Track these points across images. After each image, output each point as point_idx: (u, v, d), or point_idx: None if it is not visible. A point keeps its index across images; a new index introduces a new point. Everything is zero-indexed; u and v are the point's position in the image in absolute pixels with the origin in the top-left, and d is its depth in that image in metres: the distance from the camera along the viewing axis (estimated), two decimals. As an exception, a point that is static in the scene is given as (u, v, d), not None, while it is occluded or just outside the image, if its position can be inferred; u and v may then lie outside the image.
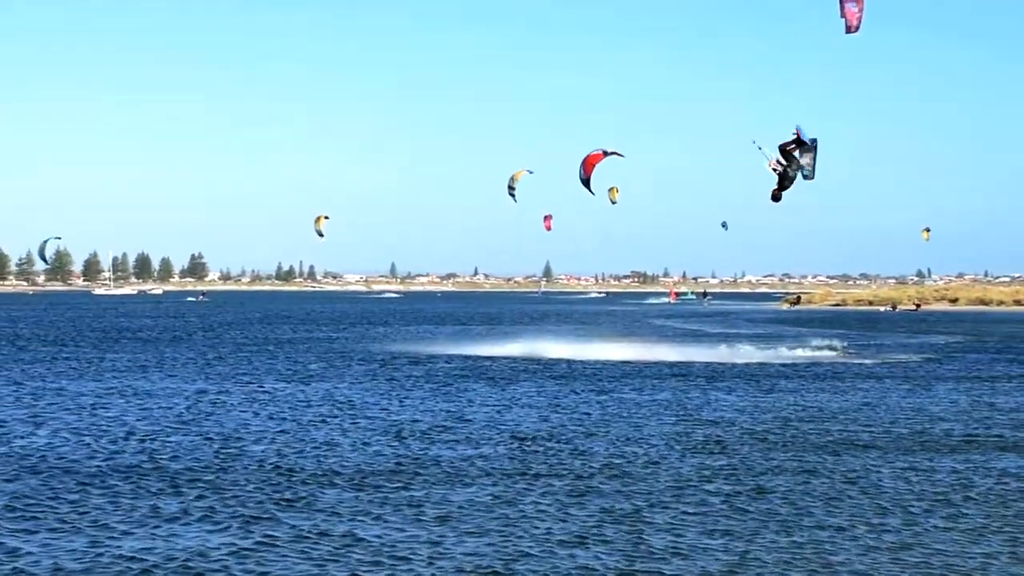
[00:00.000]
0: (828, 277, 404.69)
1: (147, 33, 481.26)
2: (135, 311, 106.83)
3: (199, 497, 16.11)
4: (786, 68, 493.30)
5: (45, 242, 29.21)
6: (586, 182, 28.70)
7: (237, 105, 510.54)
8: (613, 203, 41.35)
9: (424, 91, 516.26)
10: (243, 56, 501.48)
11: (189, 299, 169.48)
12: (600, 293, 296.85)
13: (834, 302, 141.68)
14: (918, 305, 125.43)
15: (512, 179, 41.84)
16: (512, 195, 41.72)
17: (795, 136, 21.11)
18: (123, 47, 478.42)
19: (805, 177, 20.78)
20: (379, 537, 13.93)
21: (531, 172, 41.64)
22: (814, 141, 20.81)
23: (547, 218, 46.36)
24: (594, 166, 28.35)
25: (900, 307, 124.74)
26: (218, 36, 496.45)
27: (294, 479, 17.52)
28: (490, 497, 16.24)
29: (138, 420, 24.20)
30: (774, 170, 21.23)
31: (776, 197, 21.36)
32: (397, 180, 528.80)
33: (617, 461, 19.35)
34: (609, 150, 28.00)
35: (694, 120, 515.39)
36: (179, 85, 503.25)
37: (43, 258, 29.59)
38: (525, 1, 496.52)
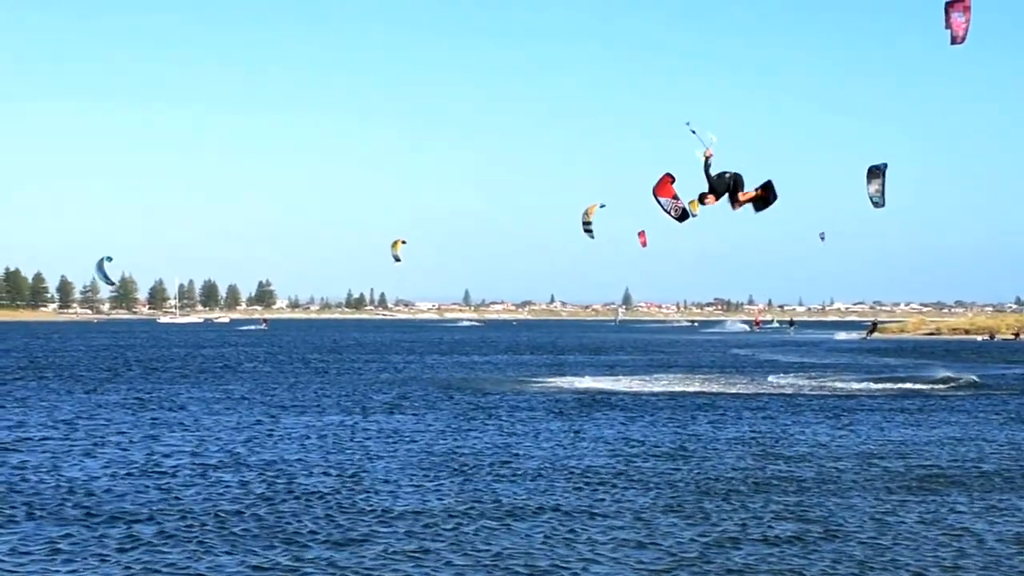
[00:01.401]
0: (921, 304, 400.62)
1: (217, 57, 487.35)
2: (191, 340, 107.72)
3: (249, 536, 16.15)
4: (884, 86, 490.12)
5: (100, 262, 29.44)
6: (679, 209, 27.65)
7: (306, 129, 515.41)
8: (694, 215, 41.07)
9: (498, 116, 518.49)
10: (313, 79, 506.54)
11: (248, 327, 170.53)
12: (690, 322, 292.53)
13: (928, 330, 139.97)
14: (1017, 334, 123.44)
15: (586, 214, 41.61)
16: (588, 231, 41.50)
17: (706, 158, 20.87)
18: (191, 71, 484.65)
19: (875, 205, 20.73)
20: (430, 577, 13.90)
21: (603, 206, 41.50)
22: (883, 166, 20.76)
23: (641, 234, 45.97)
24: (669, 184, 27.64)
25: (998, 336, 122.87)
26: (290, 59, 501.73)
27: (348, 517, 17.50)
28: (550, 537, 16.15)
29: (187, 455, 24.34)
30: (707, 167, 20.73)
31: (717, 201, 20.78)
32: (470, 206, 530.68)
33: (685, 499, 19.19)
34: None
35: (781, 138, 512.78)
36: (247, 109, 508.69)
37: (105, 278, 29.79)
38: (615, 27, 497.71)
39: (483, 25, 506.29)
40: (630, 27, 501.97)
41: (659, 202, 27.24)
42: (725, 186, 20.77)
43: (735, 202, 20.88)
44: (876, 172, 20.72)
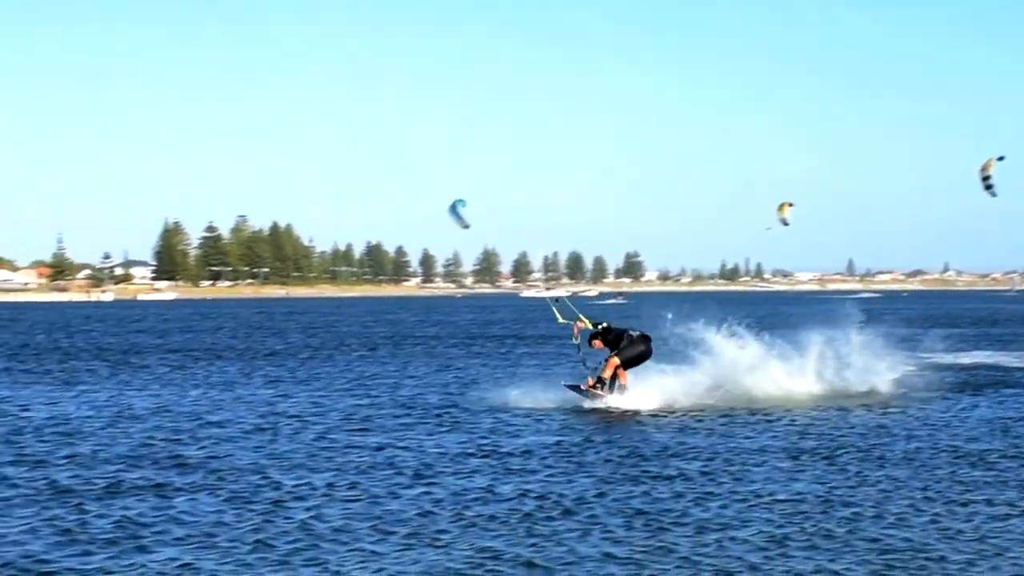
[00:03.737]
0: None
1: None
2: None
3: (610, 520, 16.21)
4: None
5: (453, 204, 29.41)
6: None
7: (688, 101, 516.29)
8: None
9: (889, 78, 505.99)
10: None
11: (608, 301, 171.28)
12: None
13: None
14: None
15: (984, 168, 39.78)
16: (989, 188, 39.67)
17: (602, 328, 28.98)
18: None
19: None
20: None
21: (1002, 159, 39.70)
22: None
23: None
24: None
25: None
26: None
27: (713, 501, 17.36)
28: (936, 527, 15.59)
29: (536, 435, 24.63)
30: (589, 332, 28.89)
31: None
32: (855, 168, 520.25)
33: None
34: None
35: None
36: (645, 82, 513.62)
37: (459, 219, 29.96)
38: None
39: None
40: None
41: None
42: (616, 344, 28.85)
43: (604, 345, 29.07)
44: None
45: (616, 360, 28.51)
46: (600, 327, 29.20)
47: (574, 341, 29.88)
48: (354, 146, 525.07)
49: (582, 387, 28.69)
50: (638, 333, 29.00)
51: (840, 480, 18.95)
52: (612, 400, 28.20)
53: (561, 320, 30.33)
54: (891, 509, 16.64)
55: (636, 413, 27.57)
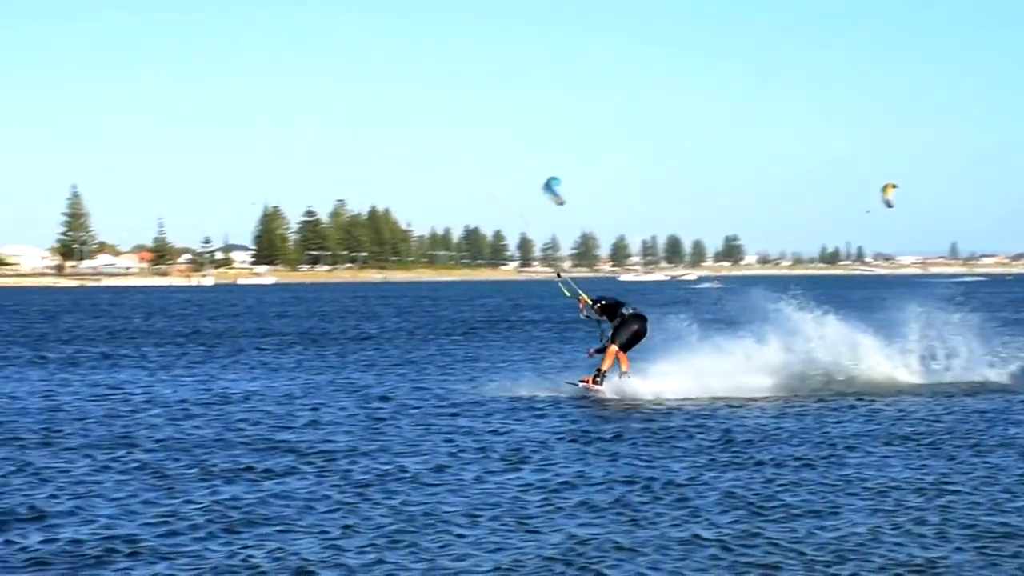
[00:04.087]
0: None
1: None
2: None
3: (717, 504, 16.15)
4: None
5: (548, 182, 28.94)
6: None
7: (789, 82, 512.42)
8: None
9: (991, 60, 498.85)
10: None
11: (702, 286, 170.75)
12: None
13: None
14: None
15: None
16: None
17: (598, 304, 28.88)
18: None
19: None
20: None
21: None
22: None
23: None
24: None
25: None
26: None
27: (812, 487, 17.25)
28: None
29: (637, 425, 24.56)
30: (590, 307, 28.88)
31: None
32: (959, 150, 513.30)
33: None
34: None
35: None
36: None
37: (554, 195, 29.58)
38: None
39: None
40: None
41: None
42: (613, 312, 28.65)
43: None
44: None
45: (614, 348, 28.10)
46: (600, 304, 28.76)
47: (582, 316, 29.51)
48: (452, 130, 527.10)
49: (580, 383, 28.35)
50: (632, 311, 28.42)
51: (935, 466, 18.74)
52: (615, 387, 27.80)
53: (567, 294, 29.88)
54: (987, 495, 16.44)
55: (726, 398, 27.46)
